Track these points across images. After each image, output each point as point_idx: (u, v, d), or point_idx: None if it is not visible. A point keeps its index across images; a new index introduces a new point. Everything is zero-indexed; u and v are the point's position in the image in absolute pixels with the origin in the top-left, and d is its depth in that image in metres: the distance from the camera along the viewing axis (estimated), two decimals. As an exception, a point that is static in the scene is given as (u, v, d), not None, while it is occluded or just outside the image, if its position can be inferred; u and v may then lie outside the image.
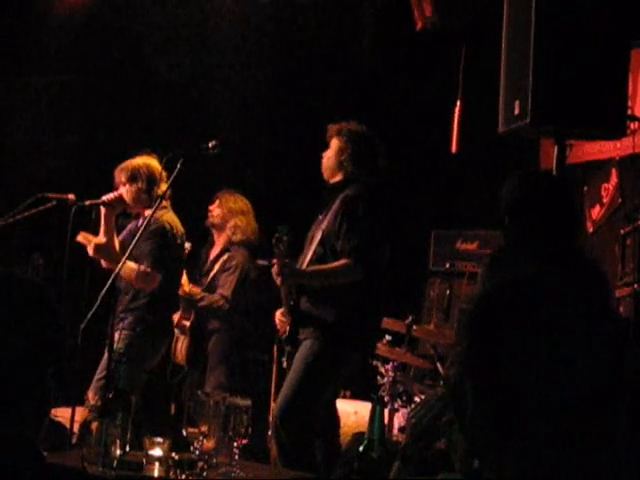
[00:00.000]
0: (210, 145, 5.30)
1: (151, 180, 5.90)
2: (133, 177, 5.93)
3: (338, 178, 5.47)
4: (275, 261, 5.30)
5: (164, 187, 5.71)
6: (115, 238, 6.04)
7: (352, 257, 5.19)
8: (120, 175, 5.97)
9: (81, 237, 5.84)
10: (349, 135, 5.47)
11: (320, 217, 5.50)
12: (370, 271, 5.26)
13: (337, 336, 5.22)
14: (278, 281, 5.34)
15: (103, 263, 5.96)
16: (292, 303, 5.38)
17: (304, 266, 5.39)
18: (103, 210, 5.91)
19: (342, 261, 5.23)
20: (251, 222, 7.07)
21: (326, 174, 5.54)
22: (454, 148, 7.26)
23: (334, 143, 5.51)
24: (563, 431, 1.43)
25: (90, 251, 5.84)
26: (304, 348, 5.26)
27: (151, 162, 5.96)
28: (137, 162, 5.98)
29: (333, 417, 5.58)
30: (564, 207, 3.94)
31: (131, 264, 5.66)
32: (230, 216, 7.03)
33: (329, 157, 5.52)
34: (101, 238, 5.89)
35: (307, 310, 5.32)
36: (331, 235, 5.31)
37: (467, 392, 1.50)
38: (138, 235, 5.33)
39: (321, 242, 5.37)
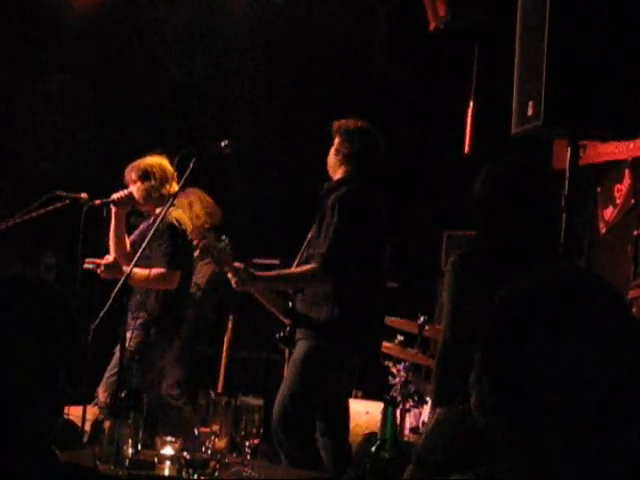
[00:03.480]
0: (222, 145, 5.30)
1: (163, 179, 5.92)
2: (145, 175, 5.94)
3: (338, 176, 5.46)
4: (225, 266, 5.29)
5: (175, 187, 5.72)
6: (126, 237, 6.06)
7: (318, 262, 5.14)
8: (131, 173, 5.98)
9: (88, 264, 5.83)
10: (344, 133, 5.42)
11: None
12: (367, 273, 5.22)
13: (331, 336, 5.17)
14: (234, 284, 5.29)
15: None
16: (290, 305, 5.36)
17: (293, 267, 5.38)
18: (114, 209, 5.93)
19: (309, 266, 5.19)
20: (196, 209, 6.90)
21: (330, 172, 5.53)
22: (467, 149, 7.26)
23: (335, 141, 5.49)
24: (581, 435, 1.42)
25: (101, 274, 5.81)
26: (298, 349, 5.24)
27: (162, 161, 5.97)
28: (149, 161, 5.99)
29: (343, 417, 5.56)
30: (528, 198, 3.86)
31: (140, 272, 5.64)
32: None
33: (331, 155, 5.51)
34: (108, 257, 5.89)
35: (302, 311, 5.30)
36: (315, 238, 5.30)
37: (485, 395, 1.50)
38: (150, 235, 5.34)
39: (308, 244, 5.37)
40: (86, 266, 5.80)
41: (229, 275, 5.27)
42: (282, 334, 5.34)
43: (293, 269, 5.29)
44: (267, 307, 5.47)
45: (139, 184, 5.95)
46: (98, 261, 5.83)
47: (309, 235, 5.41)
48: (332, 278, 5.13)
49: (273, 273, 5.35)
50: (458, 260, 3.87)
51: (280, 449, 5.18)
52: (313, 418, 5.27)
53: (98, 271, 5.80)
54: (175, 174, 5.75)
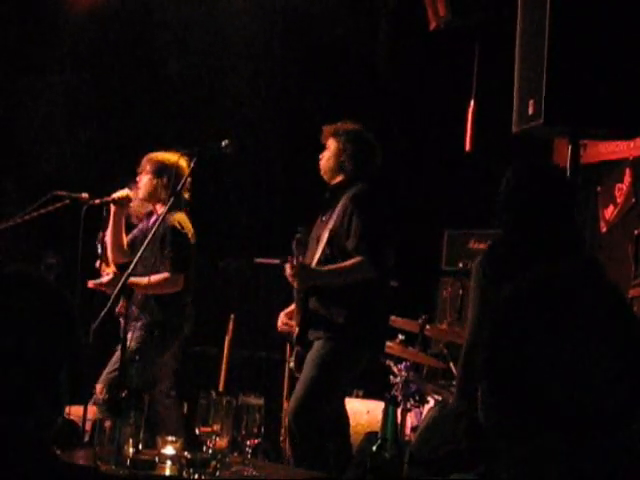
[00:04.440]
0: (223, 144, 5.29)
1: (176, 180, 5.76)
2: (159, 170, 5.85)
3: (339, 179, 5.48)
4: (290, 262, 5.29)
5: (185, 192, 5.72)
6: (123, 236, 6.03)
7: (366, 255, 5.20)
8: (147, 164, 5.88)
9: (91, 284, 5.82)
10: (346, 135, 5.46)
11: (323, 218, 5.49)
12: (379, 270, 5.27)
13: (348, 336, 5.24)
14: (295, 283, 5.31)
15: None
16: (302, 304, 5.38)
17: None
18: (113, 208, 5.90)
19: (356, 259, 5.23)
20: None
21: (326, 176, 5.54)
22: (468, 147, 7.25)
23: (331, 144, 5.50)
24: (581, 435, 1.42)
25: (106, 291, 5.77)
26: (316, 349, 5.27)
27: (181, 162, 5.73)
28: (168, 157, 5.85)
29: (343, 417, 5.59)
30: (556, 198, 3.88)
31: (139, 281, 5.63)
32: None
33: (328, 158, 5.51)
34: (108, 272, 5.88)
35: (316, 310, 5.32)
36: (340, 235, 5.30)
37: (483, 391, 1.50)
38: (150, 236, 5.31)
39: (329, 242, 5.36)
40: (90, 286, 5.80)
41: (288, 272, 5.29)
42: (295, 334, 5.40)
43: (342, 264, 5.29)
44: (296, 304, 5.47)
45: (150, 177, 5.88)
46: (99, 281, 5.81)
47: (324, 235, 5.40)
48: (377, 269, 5.20)
49: (325, 269, 5.35)
50: (485, 262, 3.86)
51: (292, 448, 5.21)
52: (326, 418, 5.30)
53: (102, 289, 5.78)
54: (189, 179, 5.65)
